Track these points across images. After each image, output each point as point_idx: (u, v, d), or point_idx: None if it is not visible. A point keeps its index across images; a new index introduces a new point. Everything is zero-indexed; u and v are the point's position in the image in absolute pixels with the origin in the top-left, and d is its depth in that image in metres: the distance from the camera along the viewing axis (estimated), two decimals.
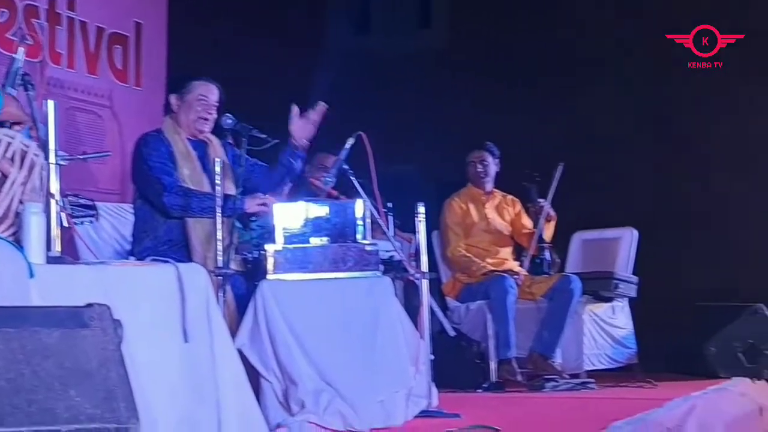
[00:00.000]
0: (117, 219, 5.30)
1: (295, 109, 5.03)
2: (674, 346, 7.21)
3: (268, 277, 4.51)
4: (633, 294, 7.01)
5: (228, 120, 4.83)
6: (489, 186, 6.97)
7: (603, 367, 6.85)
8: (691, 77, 7.84)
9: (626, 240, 7.25)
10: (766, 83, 7.65)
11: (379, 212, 5.08)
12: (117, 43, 6.91)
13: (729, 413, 5.87)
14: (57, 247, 3.35)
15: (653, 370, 6.76)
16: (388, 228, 5.34)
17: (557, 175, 6.71)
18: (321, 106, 5.04)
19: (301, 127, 5.05)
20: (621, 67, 8.12)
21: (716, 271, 7.64)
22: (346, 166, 5.13)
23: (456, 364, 6.14)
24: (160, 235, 4.83)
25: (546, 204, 6.71)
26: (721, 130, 7.86)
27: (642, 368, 6.88)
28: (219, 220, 4.47)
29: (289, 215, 4.67)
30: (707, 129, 7.89)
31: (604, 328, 6.91)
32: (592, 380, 6.36)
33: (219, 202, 4.49)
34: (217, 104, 5.00)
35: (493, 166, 6.93)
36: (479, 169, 6.90)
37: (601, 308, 6.94)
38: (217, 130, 5.01)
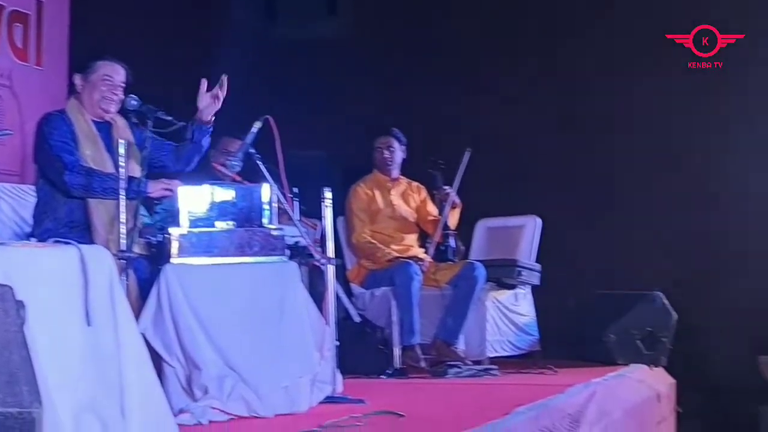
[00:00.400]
0: (17, 201, 5.19)
1: (203, 84, 4.97)
2: (575, 334, 7.30)
3: (173, 261, 4.46)
4: (536, 281, 7.08)
5: (132, 101, 4.77)
6: (395, 172, 6.97)
7: (506, 353, 6.91)
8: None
9: (530, 228, 7.32)
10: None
11: (285, 197, 5.05)
12: (17, 21, 6.74)
13: (627, 399, 5.99)
14: None
15: (555, 356, 6.85)
16: (294, 213, 5.31)
17: (464, 161, 6.74)
18: (224, 81, 4.97)
19: (208, 102, 4.98)
20: (528, 57, 8.17)
21: (616, 259, 7.76)
22: (252, 150, 5.08)
23: (360, 350, 6.14)
24: (60, 217, 4.75)
25: (451, 191, 6.74)
26: (622, 120, 7.98)
27: (544, 355, 6.97)
28: (122, 202, 4.40)
29: (195, 198, 4.61)
30: (608, 119, 8.00)
31: (507, 315, 6.97)
32: (495, 367, 6.41)
33: (123, 184, 4.44)
34: (123, 85, 4.92)
35: (399, 152, 6.93)
36: (386, 155, 6.90)
37: (504, 295, 7.00)
38: (124, 112, 4.93)
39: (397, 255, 6.68)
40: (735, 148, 7.80)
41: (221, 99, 4.95)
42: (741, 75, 7.75)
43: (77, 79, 4.96)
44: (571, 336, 7.30)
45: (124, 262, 4.32)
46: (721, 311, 7.62)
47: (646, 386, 6.54)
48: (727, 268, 7.73)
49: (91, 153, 4.79)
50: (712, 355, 7.94)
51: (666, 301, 7.08)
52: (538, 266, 7.10)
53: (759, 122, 7.82)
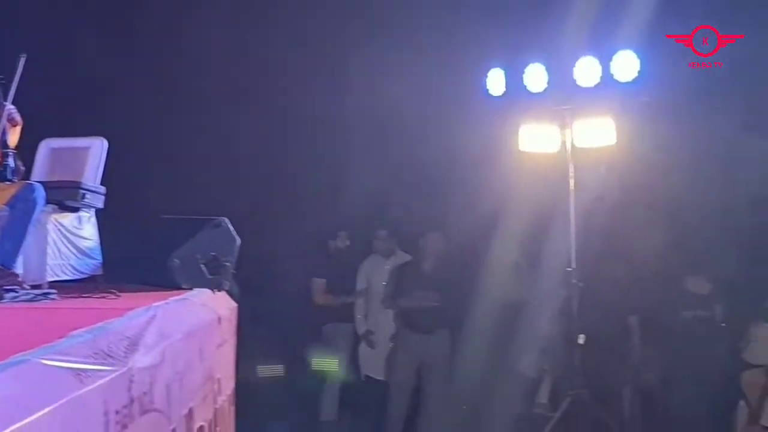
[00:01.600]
0: None
1: None
2: (139, 258, 7.26)
3: None
4: (100, 205, 6.97)
5: None
6: None
7: (67, 277, 6.76)
8: None
9: (96, 150, 7.15)
10: None
11: None
12: None
13: (189, 323, 6.05)
14: None
15: (118, 281, 6.78)
16: None
17: (19, 68, 6.39)
18: None
19: None
20: None
21: (182, 184, 7.80)
22: None
23: None
24: None
25: (10, 107, 6.42)
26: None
27: (107, 279, 6.89)
28: None
29: None
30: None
31: (69, 239, 6.81)
32: (54, 291, 6.23)
33: None
34: None
35: None
36: None
37: (66, 218, 6.82)
38: None
39: None
40: None
41: None
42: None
43: None
44: (135, 260, 7.25)
45: None
46: (281, 239, 7.89)
47: (208, 309, 6.63)
48: (288, 199, 8.01)
49: None
50: (274, 281, 8.21)
51: (230, 227, 7.19)
52: (102, 189, 6.98)
53: None
